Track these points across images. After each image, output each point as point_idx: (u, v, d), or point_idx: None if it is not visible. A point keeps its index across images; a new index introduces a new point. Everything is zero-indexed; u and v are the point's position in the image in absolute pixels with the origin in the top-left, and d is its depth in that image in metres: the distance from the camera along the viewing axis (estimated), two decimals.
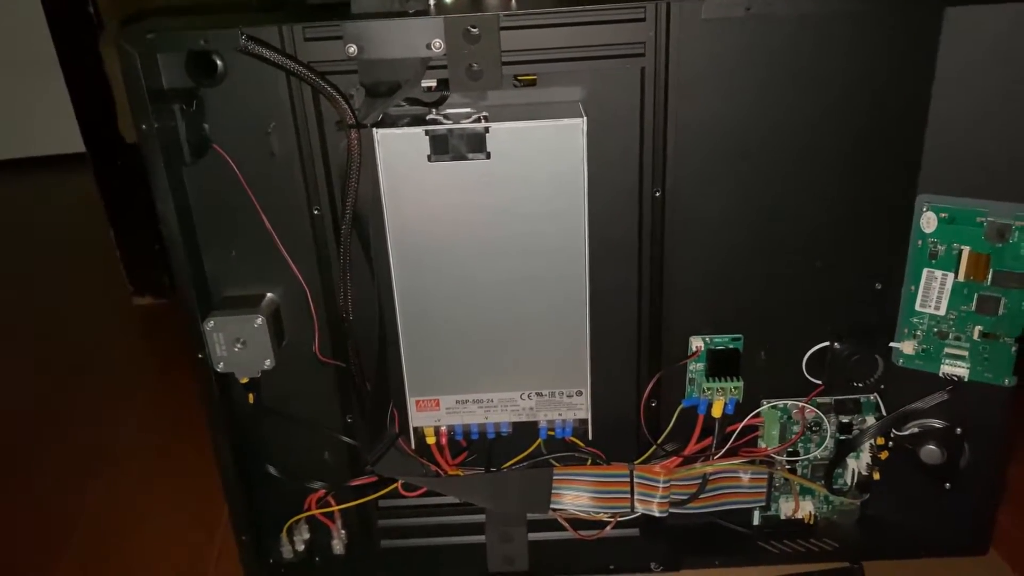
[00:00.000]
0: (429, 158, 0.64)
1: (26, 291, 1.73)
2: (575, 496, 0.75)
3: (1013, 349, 0.69)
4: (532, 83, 0.66)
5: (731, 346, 0.73)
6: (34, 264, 1.84)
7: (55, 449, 1.16)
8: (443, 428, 0.74)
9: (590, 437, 0.74)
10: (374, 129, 0.63)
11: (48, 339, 1.52)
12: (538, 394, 0.72)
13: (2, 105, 2.38)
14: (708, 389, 0.73)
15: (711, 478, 0.75)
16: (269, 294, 0.71)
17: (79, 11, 1.42)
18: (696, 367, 0.74)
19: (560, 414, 0.73)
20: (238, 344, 0.69)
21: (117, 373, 1.38)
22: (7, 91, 2.35)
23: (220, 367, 0.70)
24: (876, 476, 0.77)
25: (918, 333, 0.72)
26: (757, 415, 0.76)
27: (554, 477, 0.75)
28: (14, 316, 1.63)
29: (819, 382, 0.74)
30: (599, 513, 0.76)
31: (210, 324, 0.68)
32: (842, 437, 0.77)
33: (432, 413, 0.73)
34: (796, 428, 0.76)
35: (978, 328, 0.69)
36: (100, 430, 1.19)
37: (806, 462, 0.78)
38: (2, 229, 2.08)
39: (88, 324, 1.57)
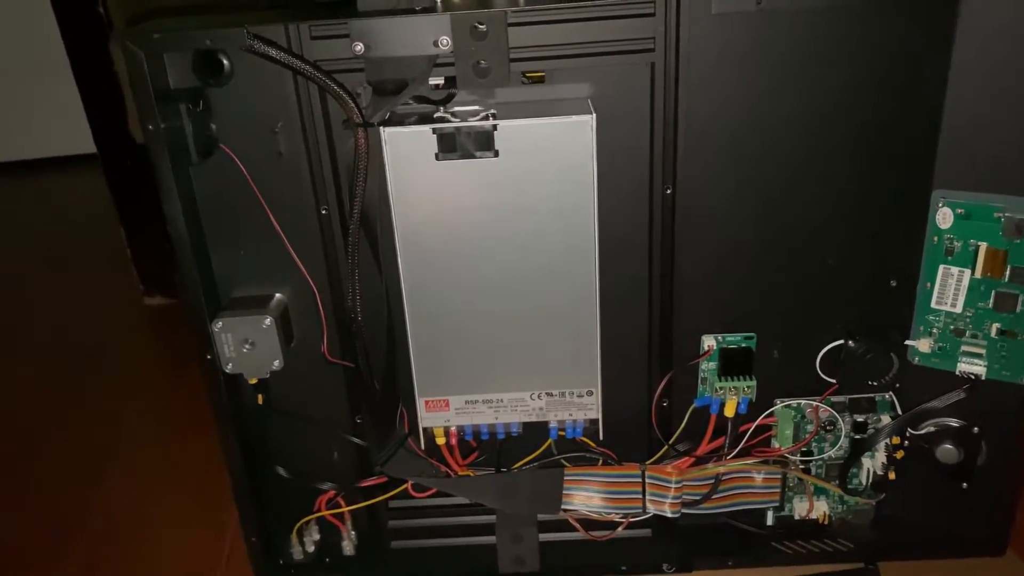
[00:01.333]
0: (437, 156, 0.63)
1: (36, 291, 1.74)
2: (586, 497, 0.74)
3: None
4: (541, 80, 0.65)
5: (744, 345, 0.72)
6: (45, 264, 1.85)
7: (65, 448, 1.17)
8: (453, 428, 0.73)
9: (601, 437, 0.74)
10: (381, 128, 0.62)
11: (59, 339, 1.53)
12: (548, 394, 0.71)
13: (13, 105, 2.39)
14: (720, 388, 0.72)
15: (724, 478, 0.74)
16: (277, 294, 0.71)
17: (89, 11, 1.42)
18: (708, 366, 0.73)
19: (571, 414, 0.72)
20: (247, 345, 0.69)
21: (128, 373, 1.39)
22: (17, 92, 2.36)
23: (229, 368, 0.69)
24: (891, 476, 0.75)
25: (934, 331, 0.71)
26: (770, 415, 0.75)
27: (565, 477, 0.74)
28: (24, 316, 1.63)
29: (833, 381, 0.73)
30: (610, 514, 0.75)
31: (218, 325, 0.68)
32: (857, 436, 0.75)
33: (441, 413, 0.72)
34: (810, 427, 0.75)
35: (995, 325, 0.68)
36: (110, 429, 1.20)
37: (820, 462, 0.77)
38: (13, 229, 2.09)
39: (99, 324, 1.57)
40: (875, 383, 0.73)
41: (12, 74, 2.34)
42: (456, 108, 0.65)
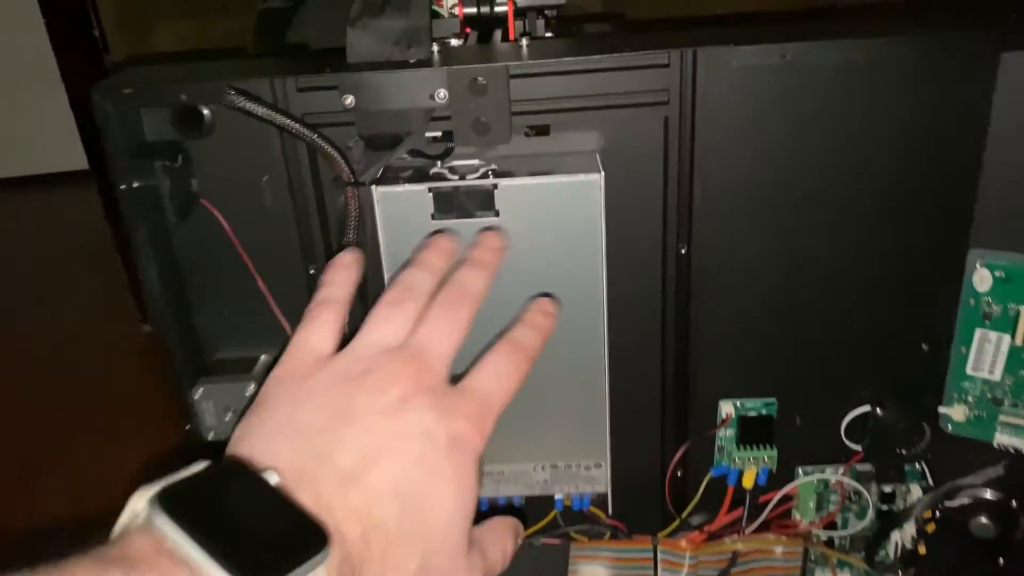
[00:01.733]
0: (433, 216, 0.59)
1: (33, 316, 1.70)
2: (594, 572, 0.70)
3: None
4: (545, 131, 0.61)
5: (764, 412, 0.67)
6: (41, 288, 1.82)
7: (61, 477, 1.14)
8: None
9: (610, 511, 0.69)
10: (373, 187, 0.58)
11: (54, 366, 1.50)
12: (553, 466, 0.66)
13: (8, 122, 2.37)
14: (739, 458, 0.67)
15: (741, 552, 0.70)
16: (263, 356, 0.67)
17: (84, 33, 1.39)
18: (726, 434, 0.68)
19: (577, 487, 0.67)
20: (229, 413, 0.64)
21: (125, 400, 1.36)
22: (13, 109, 2.34)
23: (210, 437, 0.65)
24: (922, 550, 0.70)
25: (969, 399, 0.65)
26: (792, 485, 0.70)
27: (571, 552, 0.70)
28: (19, 342, 1.60)
29: (859, 448, 0.68)
30: None
31: (199, 392, 0.63)
32: (884, 507, 0.70)
33: None
34: (834, 497, 0.70)
35: None
36: (107, 458, 1.17)
37: (844, 533, 0.72)
38: (8, 251, 2.06)
39: (96, 351, 1.54)
40: (905, 452, 0.68)
41: (7, 91, 2.32)
42: (455, 163, 0.60)
